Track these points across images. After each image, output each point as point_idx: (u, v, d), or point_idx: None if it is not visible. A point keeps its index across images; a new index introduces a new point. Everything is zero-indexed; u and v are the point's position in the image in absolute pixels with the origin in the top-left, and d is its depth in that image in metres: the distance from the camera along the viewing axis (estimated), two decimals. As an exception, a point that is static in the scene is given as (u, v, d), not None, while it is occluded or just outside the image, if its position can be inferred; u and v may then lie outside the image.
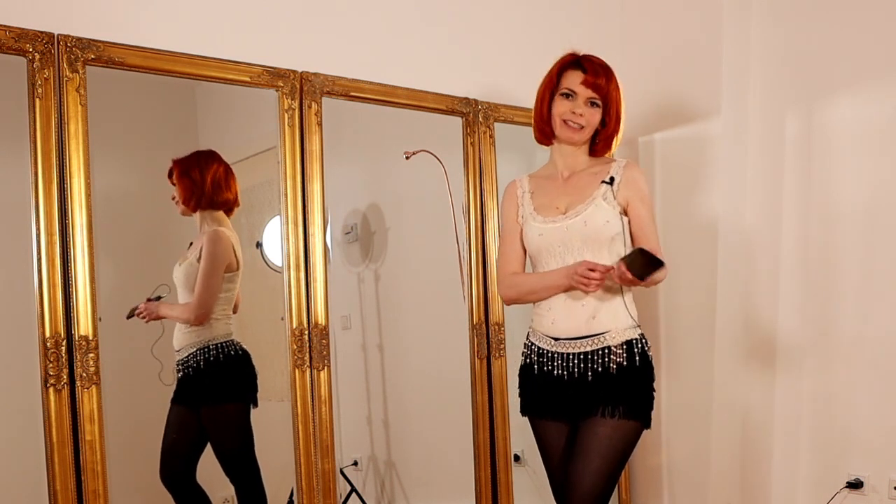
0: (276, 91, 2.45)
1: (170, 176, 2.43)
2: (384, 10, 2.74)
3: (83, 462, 2.10)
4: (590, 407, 2.09)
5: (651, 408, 2.15)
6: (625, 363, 2.10)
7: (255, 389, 2.53)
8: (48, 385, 2.05)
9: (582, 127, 2.16)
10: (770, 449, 3.05)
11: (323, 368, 2.51)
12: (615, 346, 2.10)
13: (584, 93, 2.14)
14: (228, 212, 2.50)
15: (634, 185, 2.16)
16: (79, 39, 2.11)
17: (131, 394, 2.33)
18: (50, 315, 2.06)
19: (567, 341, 2.13)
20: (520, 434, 2.89)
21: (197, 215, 2.47)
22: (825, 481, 2.89)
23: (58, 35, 2.09)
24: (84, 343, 2.09)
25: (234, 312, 2.51)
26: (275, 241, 2.54)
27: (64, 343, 2.07)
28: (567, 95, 2.15)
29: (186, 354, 2.43)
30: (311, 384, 2.50)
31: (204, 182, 2.44)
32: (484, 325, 2.90)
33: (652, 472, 3.26)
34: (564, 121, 2.15)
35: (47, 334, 2.05)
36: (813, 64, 2.91)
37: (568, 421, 2.16)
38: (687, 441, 3.16)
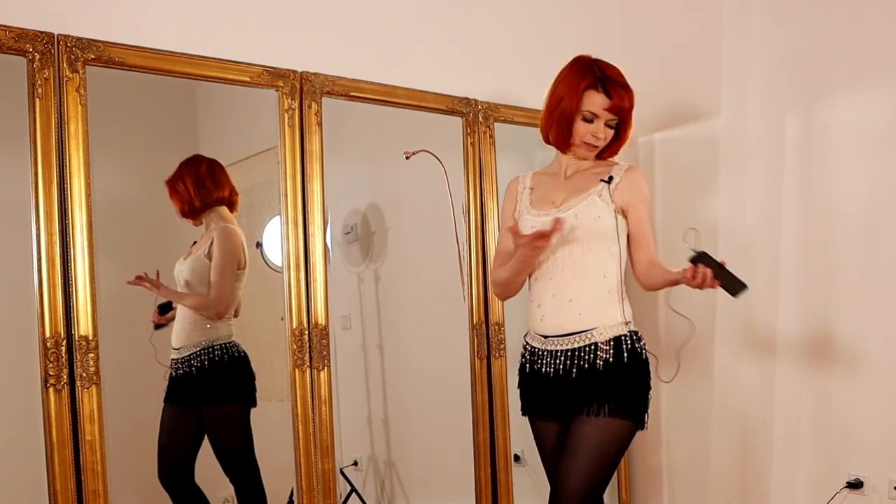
0: (276, 91, 2.45)
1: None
2: (384, 10, 2.74)
3: (83, 462, 2.10)
4: (577, 405, 2.09)
5: (645, 407, 2.13)
6: (612, 360, 2.09)
7: (254, 390, 2.53)
8: (48, 385, 2.05)
9: (598, 147, 2.18)
10: (770, 449, 3.05)
11: (323, 368, 2.51)
12: (602, 343, 2.10)
13: (606, 116, 2.14)
14: (231, 207, 2.50)
15: (636, 187, 2.16)
16: (79, 39, 2.11)
17: (131, 394, 2.33)
18: (50, 315, 2.06)
19: (555, 338, 2.13)
20: (520, 434, 2.89)
21: (203, 218, 2.48)
22: (825, 481, 2.89)
23: (58, 35, 2.09)
24: (84, 343, 2.09)
25: (236, 316, 2.51)
26: (275, 241, 2.54)
27: (64, 343, 2.07)
28: (588, 120, 2.14)
29: (188, 354, 2.43)
30: (311, 384, 2.50)
31: (188, 191, 2.44)
32: (484, 325, 2.90)
33: (652, 472, 3.26)
34: (584, 142, 2.16)
35: (47, 334, 2.05)
36: (813, 64, 2.91)
37: (560, 419, 2.16)
38: (687, 441, 3.16)
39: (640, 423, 2.13)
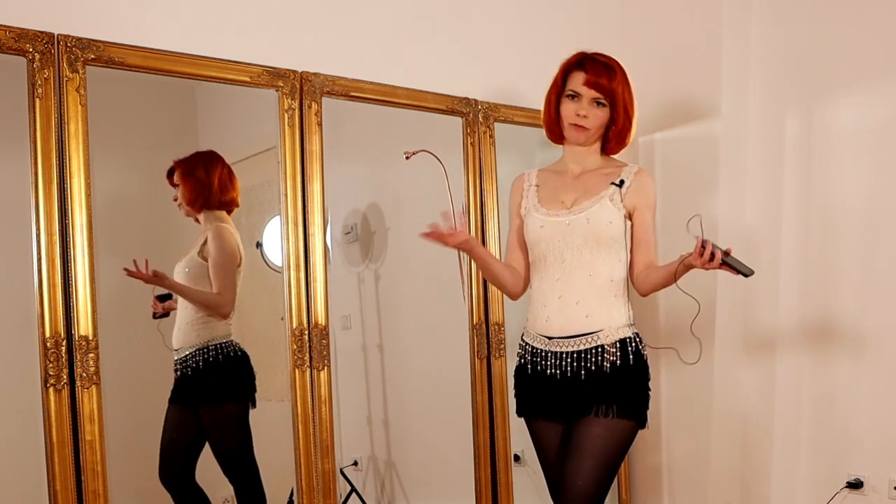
0: (276, 91, 2.45)
1: (169, 176, 2.43)
2: (384, 10, 2.74)
3: (83, 462, 2.10)
4: (583, 406, 2.09)
5: (646, 407, 2.14)
6: (618, 362, 2.10)
7: (254, 390, 2.53)
8: (48, 385, 2.05)
9: (587, 128, 2.16)
10: (770, 449, 3.05)
11: (323, 368, 2.51)
12: (608, 345, 2.10)
13: (588, 93, 2.14)
14: (230, 212, 2.51)
15: (644, 191, 2.16)
16: (79, 39, 2.11)
17: (131, 394, 2.33)
18: (50, 315, 2.06)
19: (560, 340, 2.13)
20: (520, 434, 2.89)
21: (201, 216, 2.47)
22: (825, 481, 2.89)
23: (58, 35, 2.09)
24: (84, 343, 2.09)
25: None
26: (275, 241, 2.54)
27: (64, 343, 2.07)
28: (572, 97, 2.15)
29: (185, 354, 2.43)
30: (311, 384, 2.50)
31: (211, 182, 2.44)
32: (484, 325, 2.90)
33: (652, 472, 3.26)
34: (571, 123, 2.16)
35: (47, 334, 2.05)
36: (813, 64, 2.91)
37: (562, 420, 2.16)
38: (687, 441, 3.16)
39: (643, 423, 2.14)
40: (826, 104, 2.88)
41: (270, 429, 2.54)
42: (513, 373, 2.29)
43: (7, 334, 2.17)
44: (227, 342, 2.48)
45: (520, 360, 2.25)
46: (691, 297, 2.18)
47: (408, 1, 2.80)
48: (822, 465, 2.92)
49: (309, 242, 2.50)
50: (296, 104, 2.48)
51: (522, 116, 2.98)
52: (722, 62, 3.00)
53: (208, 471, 2.46)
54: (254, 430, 2.53)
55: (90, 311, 2.10)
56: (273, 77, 2.44)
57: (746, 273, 1.99)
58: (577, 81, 2.14)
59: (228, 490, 2.52)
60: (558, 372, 2.12)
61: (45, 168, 2.06)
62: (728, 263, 1.98)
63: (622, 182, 2.15)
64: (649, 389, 2.17)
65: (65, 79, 2.09)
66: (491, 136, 2.92)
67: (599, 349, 2.10)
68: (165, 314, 2.40)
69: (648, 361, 2.19)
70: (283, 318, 2.48)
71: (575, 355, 2.11)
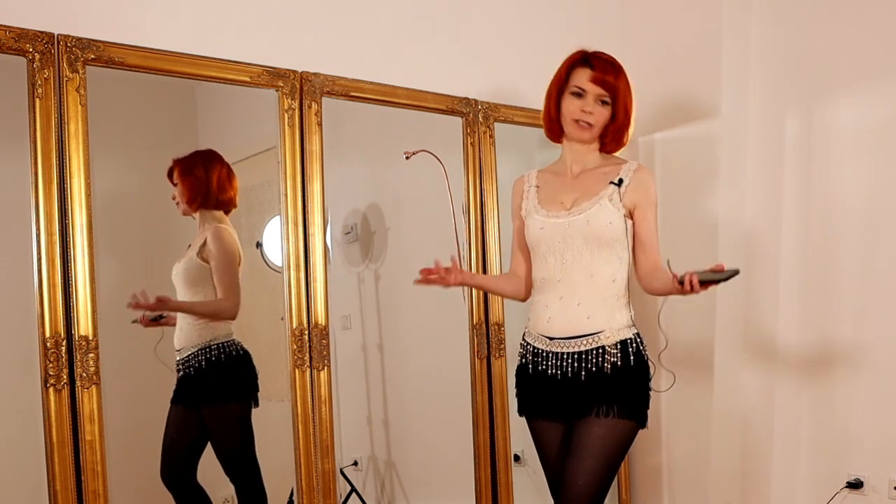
0: (276, 91, 2.45)
1: (169, 176, 2.43)
2: (384, 11, 2.74)
3: (83, 462, 2.10)
4: (584, 407, 2.10)
5: (646, 407, 2.15)
6: (619, 363, 2.10)
7: (257, 389, 2.53)
8: (48, 385, 2.05)
9: (591, 125, 2.15)
10: (770, 449, 3.05)
11: (323, 368, 2.51)
12: (609, 346, 2.10)
13: (594, 90, 2.13)
14: (227, 212, 2.51)
15: (644, 189, 2.15)
16: (79, 39, 2.11)
17: (131, 394, 2.33)
18: (50, 315, 2.06)
19: (562, 340, 2.13)
20: (520, 434, 2.89)
21: (198, 215, 2.47)
22: (825, 481, 2.89)
23: (58, 35, 2.09)
24: (84, 343, 2.09)
25: None
26: (275, 241, 2.54)
27: (64, 343, 2.07)
28: (577, 94, 2.14)
29: (187, 354, 2.43)
30: (311, 384, 2.50)
31: (209, 181, 2.44)
32: (484, 325, 2.90)
33: (652, 472, 3.26)
34: (575, 120, 2.15)
35: (47, 334, 2.05)
36: (813, 64, 2.91)
37: (563, 420, 2.16)
38: (687, 441, 3.16)
39: (643, 423, 2.14)
40: (826, 104, 2.88)
41: (270, 429, 2.54)
42: (514, 372, 2.29)
43: (7, 334, 2.17)
44: (228, 341, 2.48)
45: (521, 360, 2.25)
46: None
47: (408, 1, 2.81)
48: (822, 465, 2.92)
49: (309, 242, 2.50)
50: (296, 104, 2.48)
51: (522, 116, 2.98)
52: (722, 62, 3.00)
53: (209, 470, 2.46)
54: (254, 430, 2.53)
55: (90, 311, 2.10)
56: (273, 77, 2.44)
57: (731, 275, 1.98)
58: (583, 78, 2.13)
59: (229, 490, 2.52)
60: (559, 372, 2.12)
61: (45, 168, 2.06)
62: (709, 281, 1.96)
63: (621, 181, 2.14)
64: (650, 390, 2.17)
65: (65, 79, 2.09)
66: (491, 136, 2.92)
67: (600, 350, 2.10)
68: (161, 317, 2.40)
69: (649, 362, 2.19)
70: (283, 318, 2.48)
71: (576, 356, 2.11)
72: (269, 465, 2.54)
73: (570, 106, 2.15)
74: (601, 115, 2.15)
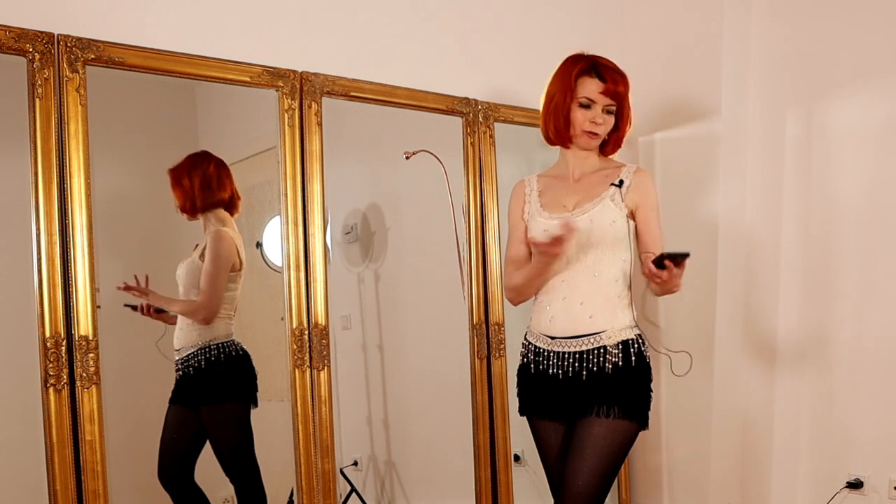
0: (276, 91, 2.45)
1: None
2: (384, 10, 2.74)
3: (83, 462, 2.10)
4: (585, 406, 2.10)
5: (648, 408, 2.15)
6: (620, 363, 2.10)
7: (256, 389, 2.53)
8: (48, 385, 2.05)
9: (599, 134, 2.17)
10: (770, 449, 3.05)
11: (323, 368, 2.51)
12: (611, 346, 2.10)
13: (603, 101, 2.13)
14: (230, 210, 2.50)
15: (644, 190, 2.16)
16: (79, 39, 2.11)
17: (131, 394, 2.33)
18: (50, 315, 2.06)
19: (564, 340, 2.13)
20: (520, 434, 2.89)
21: (201, 217, 2.47)
22: (825, 481, 2.89)
23: (58, 35, 2.09)
24: (84, 343, 2.09)
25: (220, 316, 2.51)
26: (275, 241, 2.54)
27: (64, 343, 2.07)
28: (585, 105, 2.14)
29: (187, 354, 2.43)
30: (311, 384, 2.50)
31: (193, 186, 2.44)
32: (484, 325, 2.90)
33: (652, 472, 3.26)
34: (585, 131, 2.15)
35: (47, 334, 2.05)
36: (813, 64, 2.91)
37: (564, 420, 2.17)
38: (687, 441, 3.16)
39: (644, 423, 2.14)
40: (826, 104, 2.88)
41: (270, 429, 2.54)
42: (515, 372, 2.29)
43: (7, 334, 2.17)
44: (228, 342, 2.48)
45: (523, 360, 2.25)
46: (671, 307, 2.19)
47: (408, 1, 2.81)
48: (822, 465, 2.92)
49: (309, 242, 2.50)
50: (296, 104, 2.48)
51: (522, 116, 2.98)
52: (722, 62, 3.00)
53: (208, 471, 2.46)
54: (254, 430, 2.53)
55: (90, 311, 2.10)
56: (273, 77, 2.44)
57: (683, 255, 1.98)
58: (592, 89, 2.13)
59: (229, 490, 2.52)
60: (561, 372, 2.13)
61: (45, 168, 2.06)
62: (662, 263, 1.97)
63: (622, 182, 2.15)
64: (651, 391, 2.17)
65: (65, 79, 2.09)
66: (491, 136, 2.92)
67: (602, 350, 2.10)
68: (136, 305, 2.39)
69: (651, 363, 2.19)
70: (283, 318, 2.48)
71: (577, 356, 2.11)
72: (268, 465, 2.54)
73: (578, 117, 2.14)
74: (608, 122, 2.16)
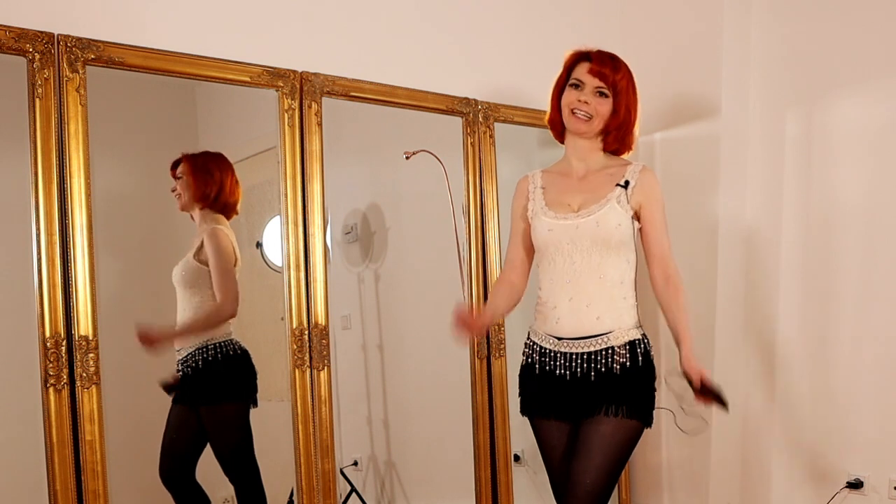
0: (276, 91, 2.45)
1: (174, 167, 2.42)
2: (384, 11, 2.74)
3: (83, 462, 2.10)
4: (592, 406, 2.10)
5: (652, 407, 2.16)
6: (628, 364, 2.11)
7: (255, 389, 2.53)
8: (48, 385, 2.05)
9: (590, 117, 2.14)
10: (770, 449, 3.05)
11: (323, 368, 2.51)
12: (618, 347, 2.11)
13: (591, 82, 2.13)
14: (228, 217, 2.50)
15: (650, 189, 2.15)
16: (79, 39, 2.11)
17: (131, 394, 2.33)
18: (50, 315, 2.06)
19: (571, 341, 2.13)
20: (520, 434, 2.89)
21: (197, 214, 2.46)
22: (825, 481, 2.89)
23: (58, 35, 2.09)
24: (84, 343, 2.09)
25: None
26: (275, 241, 2.54)
27: (64, 343, 2.07)
28: (575, 86, 2.15)
29: (186, 354, 2.43)
30: (311, 384, 2.50)
31: (223, 181, 2.44)
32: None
33: (652, 472, 3.26)
34: (572, 110, 2.15)
35: (47, 334, 2.05)
36: (813, 64, 2.91)
37: (570, 420, 2.16)
38: (687, 441, 3.16)
39: (649, 422, 2.15)
40: (826, 104, 2.88)
41: (270, 429, 2.54)
42: (517, 372, 2.29)
43: (7, 334, 2.17)
44: (227, 341, 2.47)
45: (526, 360, 2.24)
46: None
47: (408, 1, 2.81)
48: (822, 465, 2.92)
49: (309, 242, 2.50)
50: (296, 104, 2.48)
51: (522, 116, 2.98)
52: (722, 62, 3.00)
53: (209, 470, 2.46)
54: (254, 430, 2.53)
55: (90, 311, 2.10)
56: (273, 77, 2.44)
57: (723, 403, 2.09)
58: (582, 70, 2.15)
59: (229, 490, 2.52)
60: (568, 373, 2.12)
61: (45, 168, 2.06)
62: (705, 388, 2.07)
63: (627, 183, 2.14)
64: (655, 390, 2.18)
65: (65, 79, 2.09)
66: (491, 136, 2.92)
67: (609, 350, 2.10)
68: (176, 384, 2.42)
69: (654, 363, 2.19)
70: (283, 318, 2.48)
71: (585, 356, 2.11)
72: (268, 465, 2.54)
73: (567, 97, 2.16)
74: (599, 106, 2.13)
